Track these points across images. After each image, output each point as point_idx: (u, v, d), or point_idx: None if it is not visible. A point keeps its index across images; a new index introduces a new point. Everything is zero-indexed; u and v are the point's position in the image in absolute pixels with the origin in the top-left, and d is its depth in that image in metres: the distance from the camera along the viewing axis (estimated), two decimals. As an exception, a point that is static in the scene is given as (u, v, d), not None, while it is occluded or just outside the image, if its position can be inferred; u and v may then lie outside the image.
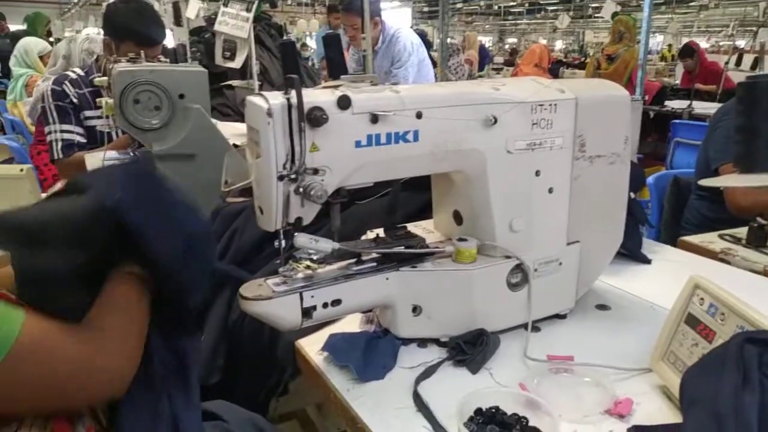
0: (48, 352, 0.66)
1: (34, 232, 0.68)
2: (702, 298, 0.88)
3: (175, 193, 0.79)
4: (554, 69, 8.03)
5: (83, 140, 2.29)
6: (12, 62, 5.39)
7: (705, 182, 1.59)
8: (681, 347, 0.90)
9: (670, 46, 13.45)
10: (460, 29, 17.62)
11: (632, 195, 1.32)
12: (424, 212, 1.31)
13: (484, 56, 9.75)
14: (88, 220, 0.69)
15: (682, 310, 0.91)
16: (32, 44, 5.37)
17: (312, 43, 12.00)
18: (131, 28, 2.20)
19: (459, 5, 15.72)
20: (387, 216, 1.11)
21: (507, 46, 17.75)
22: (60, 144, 2.25)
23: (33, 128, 5.01)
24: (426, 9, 15.23)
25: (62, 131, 2.26)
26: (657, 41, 15.41)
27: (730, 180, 1.57)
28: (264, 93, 0.86)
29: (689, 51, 6.50)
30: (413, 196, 1.36)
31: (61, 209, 0.71)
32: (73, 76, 2.34)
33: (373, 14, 3.42)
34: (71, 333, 0.69)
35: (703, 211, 2.16)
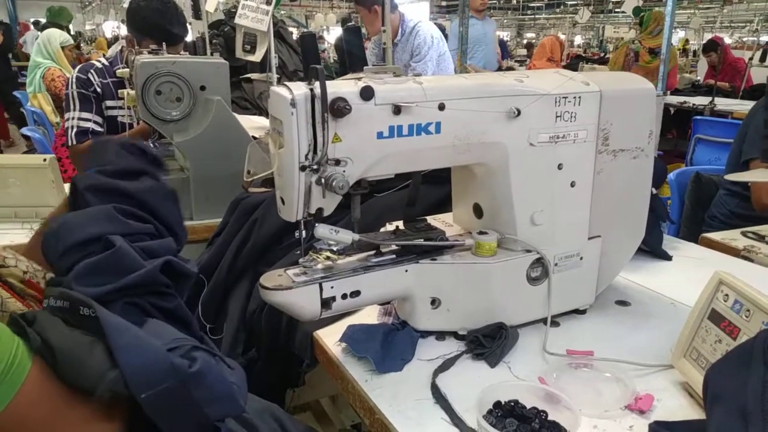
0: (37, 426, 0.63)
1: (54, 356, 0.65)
2: (726, 294, 0.87)
3: (211, 390, 0.72)
4: (573, 64, 7.96)
5: (99, 129, 2.32)
6: (34, 50, 5.46)
7: (732, 177, 1.57)
8: (704, 343, 0.89)
9: (686, 41, 13.24)
10: (478, 24, 17.46)
11: (653, 191, 1.30)
12: (442, 206, 1.31)
13: (503, 51, 9.67)
14: (107, 390, 0.65)
15: (706, 306, 0.90)
16: (56, 34, 5.44)
17: (329, 37, 12.01)
18: (153, 26, 2.22)
19: (477, -1, 15.61)
20: (407, 208, 1.11)
21: (525, 41, 17.60)
22: (75, 130, 2.28)
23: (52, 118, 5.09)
24: (444, 3, 15.14)
25: (80, 118, 2.29)
26: (678, 37, 15.18)
27: (757, 175, 1.54)
28: (288, 83, 0.86)
29: (713, 46, 6.42)
30: (432, 189, 1.36)
31: (86, 366, 0.65)
32: (99, 65, 2.37)
33: (374, 2, 3.43)
34: (66, 413, 0.65)
35: (731, 207, 2.13)
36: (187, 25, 2.57)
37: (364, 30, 3.80)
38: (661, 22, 5.32)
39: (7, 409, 0.59)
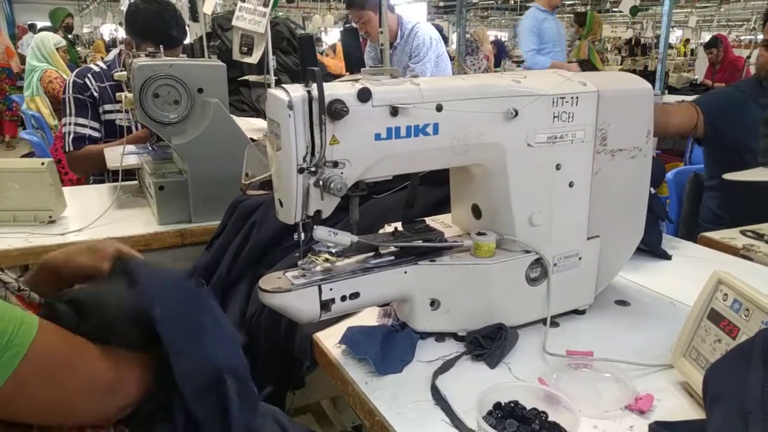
0: (60, 366, 0.65)
1: (84, 308, 0.69)
2: (726, 294, 0.87)
3: (219, 325, 0.77)
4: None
5: (96, 134, 2.31)
6: (29, 55, 5.52)
7: (729, 176, 1.56)
8: (703, 343, 0.89)
9: (687, 40, 13.31)
10: (476, 24, 17.52)
11: (652, 190, 1.30)
12: (439, 208, 1.31)
13: (501, 51, 9.68)
14: (129, 318, 0.70)
15: (705, 305, 0.90)
16: (49, 37, 5.52)
17: (327, 39, 12.01)
18: (153, 29, 2.22)
19: (475, 0, 15.63)
20: (405, 210, 1.10)
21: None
22: (71, 136, 2.27)
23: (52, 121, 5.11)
24: (442, 4, 15.16)
25: (76, 124, 2.28)
26: (676, 36, 15.21)
27: (756, 174, 1.54)
28: (285, 86, 0.86)
29: (715, 42, 6.47)
30: (430, 190, 1.36)
31: (111, 298, 0.71)
32: (96, 69, 2.36)
33: (369, 6, 3.42)
34: (87, 350, 0.67)
35: (714, 209, 2.15)
36: (186, 27, 2.58)
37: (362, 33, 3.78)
38: (599, 31, 5.48)
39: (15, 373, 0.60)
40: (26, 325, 0.62)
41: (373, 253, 1.03)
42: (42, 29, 7.26)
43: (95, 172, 2.40)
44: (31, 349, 0.61)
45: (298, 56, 3.64)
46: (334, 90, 0.86)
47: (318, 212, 0.92)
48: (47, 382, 0.63)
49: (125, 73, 1.97)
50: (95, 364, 0.68)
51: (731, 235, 1.61)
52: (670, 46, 10.60)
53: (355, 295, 0.98)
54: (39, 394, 0.63)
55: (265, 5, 2.57)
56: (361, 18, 3.55)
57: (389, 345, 1.01)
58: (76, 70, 2.40)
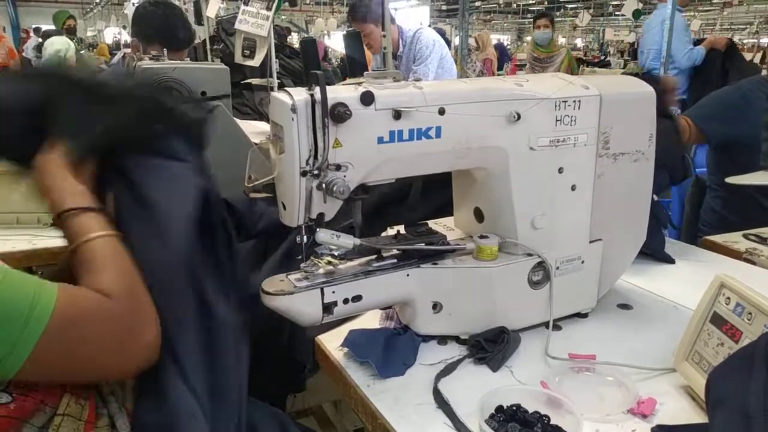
0: (84, 324, 0.69)
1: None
2: (728, 298, 0.87)
3: None
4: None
5: None
6: (43, 57, 5.72)
7: (733, 180, 1.56)
8: (706, 347, 0.89)
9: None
10: (479, 28, 17.56)
11: (655, 197, 1.30)
12: (442, 211, 1.31)
13: (504, 55, 9.70)
14: None
15: (708, 309, 0.90)
16: (61, 41, 5.68)
17: (330, 42, 12.04)
18: (161, 32, 2.23)
19: (477, 3, 15.66)
20: (408, 213, 1.11)
21: (525, 45, 17.64)
22: None
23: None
24: (444, 7, 15.20)
25: None
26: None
27: (758, 177, 1.54)
28: (288, 89, 0.87)
29: None
30: (432, 194, 1.36)
31: None
32: None
33: (371, 19, 3.42)
34: (106, 305, 0.71)
35: (718, 210, 2.14)
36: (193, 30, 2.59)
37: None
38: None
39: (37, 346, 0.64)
40: (45, 295, 0.66)
41: (376, 255, 1.03)
42: (46, 32, 7.38)
43: None
44: (51, 320, 0.65)
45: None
46: (337, 93, 0.87)
47: (321, 215, 0.93)
48: (70, 345, 0.68)
49: (129, 76, 1.98)
50: (111, 313, 0.71)
51: (734, 239, 1.61)
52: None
53: (357, 298, 0.98)
54: (61, 360, 0.68)
55: (268, 9, 2.58)
56: (362, 31, 3.55)
57: (391, 348, 1.01)
58: None
